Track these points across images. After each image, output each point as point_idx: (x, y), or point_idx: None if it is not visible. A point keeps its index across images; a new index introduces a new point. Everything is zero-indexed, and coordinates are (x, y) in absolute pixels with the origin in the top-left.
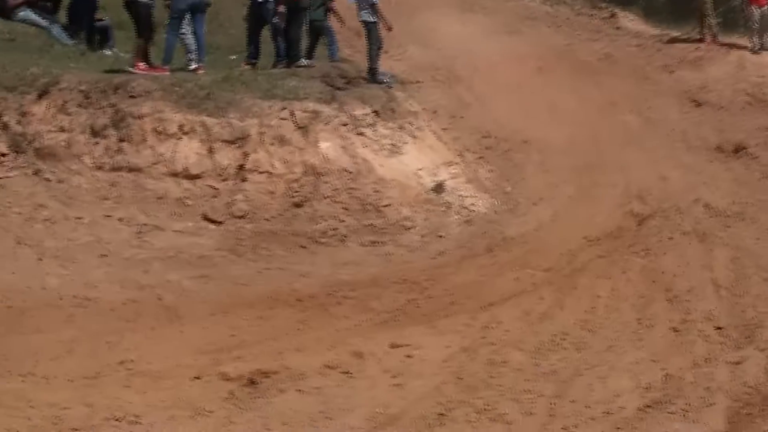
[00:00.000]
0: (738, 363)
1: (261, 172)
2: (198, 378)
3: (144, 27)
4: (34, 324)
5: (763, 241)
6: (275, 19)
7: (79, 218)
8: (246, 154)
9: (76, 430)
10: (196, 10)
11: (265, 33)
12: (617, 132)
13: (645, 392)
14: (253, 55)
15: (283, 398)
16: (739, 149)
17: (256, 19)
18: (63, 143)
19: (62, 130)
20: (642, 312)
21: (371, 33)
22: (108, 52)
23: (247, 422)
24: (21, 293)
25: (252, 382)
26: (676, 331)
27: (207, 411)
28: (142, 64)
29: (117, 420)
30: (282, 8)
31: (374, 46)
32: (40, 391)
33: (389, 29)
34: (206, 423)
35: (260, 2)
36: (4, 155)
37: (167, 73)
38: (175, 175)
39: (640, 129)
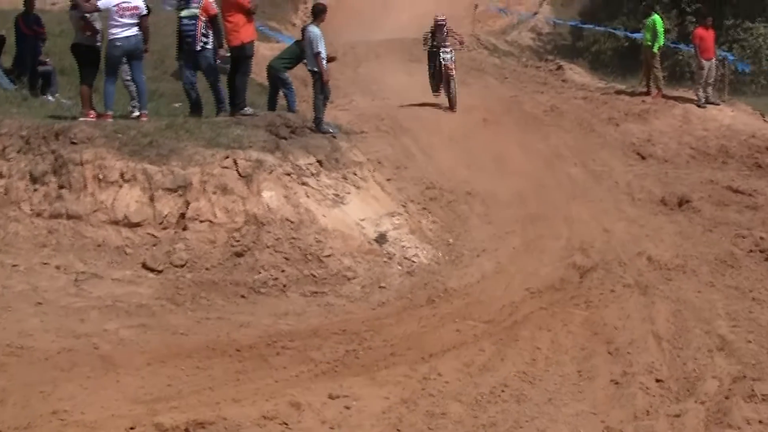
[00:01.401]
0: (678, 416)
1: (202, 221)
2: (133, 429)
3: (89, 72)
4: None
5: (704, 294)
6: (218, 61)
7: (15, 265)
8: (187, 203)
9: None
10: (132, 58)
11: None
12: (562, 184)
13: None
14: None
15: None
16: (683, 202)
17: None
18: (1, 189)
19: (1, 176)
20: (583, 364)
21: (317, 83)
22: (50, 98)
23: None
24: None
25: None
26: (617, 383)
27: None
28: (92, 112)
29: None
30: (224, 51)
31: (320, 95)
32: None
33: (326, 81)
34: None
35: (197, 51)
36: None
37: (110, 119)
38: (115, 223)
39: (585, 181)
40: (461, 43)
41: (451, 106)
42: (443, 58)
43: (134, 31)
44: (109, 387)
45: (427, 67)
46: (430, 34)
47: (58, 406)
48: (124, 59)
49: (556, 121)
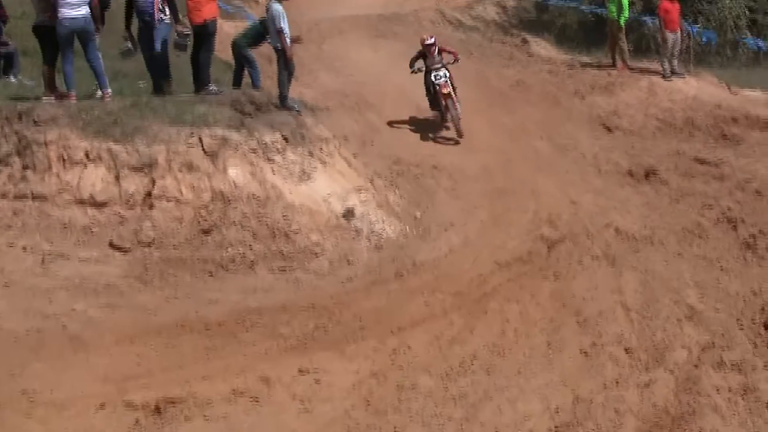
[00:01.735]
0: (647, 385)
1: (169, 199)
2: (103, 407)
3: (50, 53)
4: None
5: (671, 264)
6: (177, 38)
7: None
8: (153, 181)
9: None
10: (82, 38)
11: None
12: (529, 158)
13: (555, 415)
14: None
15: (189, 426)
16: (649, 174)
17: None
18: None
19: None
20: (552, 335)
21: (281, 59)
22: (13, 79)
23: None
24: None
25: (158, 410)
26: (586, 354)
27: None
28: (54, 94)
29: None
30: (183, 28)
31: (284, 72)
32: None
33: (289, 57)
34: None
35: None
36: None
37: (73, 100)
38: (81, 202)
39: (552, 154)
40: (455, 59)
41: (457, 133)
42: (436, 79)
43: (83, 11)
44: (78, 366)
45: (425, 90)
46: (417, 59)
47: (28, 386)
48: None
49: (522, 95)
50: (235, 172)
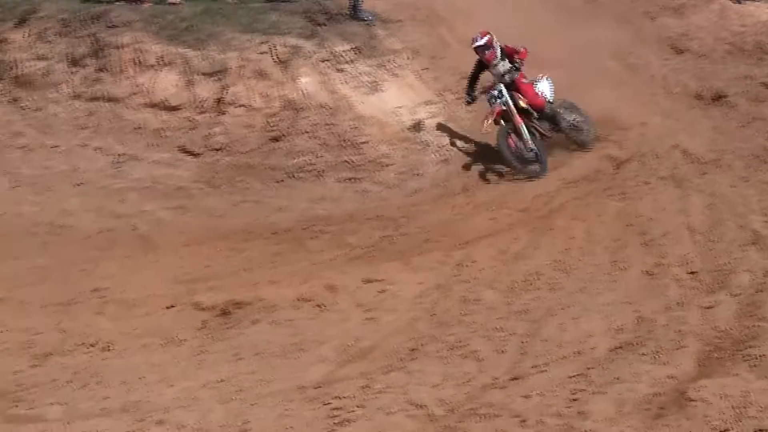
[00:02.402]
0: (710, 307)
1: (239, 106)
2: (171, 307)
3: None
4: (8, 250)
5: (738, 188)
6: None
7: (56, 147)
8: (225, 87)
9: (49, 354)
10: None
11: None
12: (599, 77)
13: (617, 334)
14: None
15: (255, 329)
16: (718, 97)
17: None
18: (41, 71)
19: (41, 58)
20: (616, 254)
21: None
22: None
23: (220, 351)
24: None
25: (225, 313)
26: (650, 274)
27: (180, 340)
28: None
29: (90, 346)
30: None
31: None
32: (14, 315)
33: None
34: (178, 351)
35: None
36: None
37: (148, 4)
38: (153, 106)
39: (622, 74)
40: (522, 57)
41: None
42: (490, 102)
43: None
44: (148, 267)
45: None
46: (477, 77)
47: (99, 284)
48: None
49: (593, 13)
50: (306, 81)
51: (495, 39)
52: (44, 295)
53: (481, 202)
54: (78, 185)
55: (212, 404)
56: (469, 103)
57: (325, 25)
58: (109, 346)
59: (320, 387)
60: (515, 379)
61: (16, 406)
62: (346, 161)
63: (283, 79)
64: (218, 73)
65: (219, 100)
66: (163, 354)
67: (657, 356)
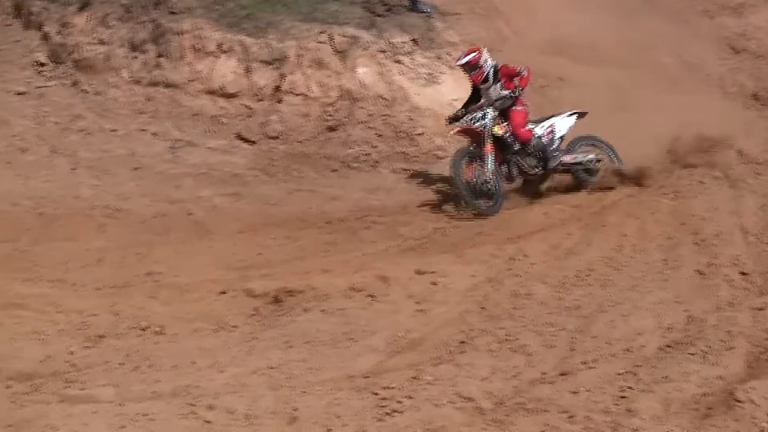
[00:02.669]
0: (761, 309)
1: (297, 95)
2: (224, 293)
3: None
4: (65, 232)
5: None
6: None
7: (114, 130)
8: (283, 76)
9: (102, 336)
10: None
11: None
12: (655, 74)
13: (666, 332)
14: None
15: (306, 317)
16: None
17: None
18: (102, 56)
19: (102, 42)
20: (668, 253)
21: None
22: None
23: (270, 339)
24: (54, 201)
25: (277, 300)
26: (702, 274)
27: (231, 326)
28: None
29: (142, 329)
30: None
31: None
32: (69, 297)
33: None
34: (230, 337)
35: None
36: (43, 65)
37: None
38: (211, 92)
39: (678, 72)
40: (522, 83)
41: None
42: (482, 122)
43: None
44: (202, 252)
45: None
46: (472, 101)
47: (153, 268)
48: None
49: (650, 10)
50: (364, 71)
51: (486, 57)
52: (99, 278)
53: (534, 196)
54: (135, 169)
55: (262, 391)
56: (449, 121)
57: (383, 16)
58: (161, 330)
59: (369, 377)
60: (564, 374)
61: (70, 386)
62: (401, 152)
63: (340, 69)
64: (276, 61)
65: (276, 89)
66: (214, 339)
67: (706, 356)
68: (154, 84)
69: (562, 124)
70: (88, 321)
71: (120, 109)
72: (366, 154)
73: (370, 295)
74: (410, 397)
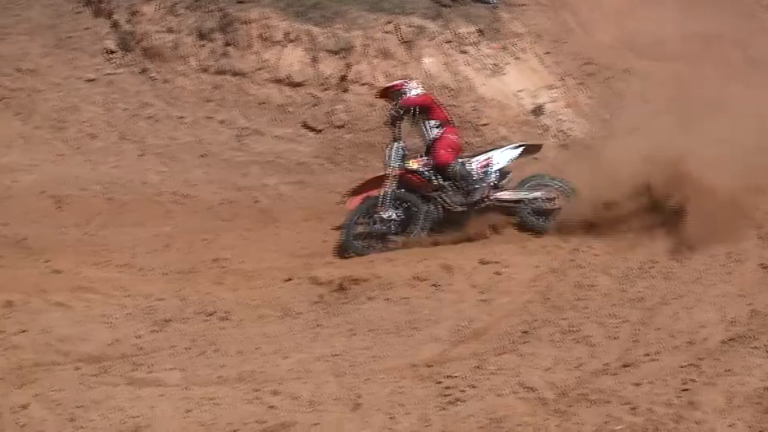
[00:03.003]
0: None
1: (363, 84)
2: (289, 280)
3: None
4: (133, 217)
5: None
6: None
7: (182, 118)
8: (349, 65)
9: (169, 321)
10: None
11: None
12: (721, 68)
13: (730, 326)
14: None
15: (370, 305)
16: None
17: None
18: (170, 44)
19: (170, 31)
20: (732, 247)
21: None
22: None
23: (335, 326)
24: (122, 187)
25: (342, 288)
26: (765, 268)
27: (296, 312)
28: None
29: (208, 315)
30: None
31: None
32: (136, 281)
33: None
34: (294, 324)
35: None
36: (112, 52)
37: None
38: (278, 81)
39: (745, 67)
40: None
41: None
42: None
43: None
44: (267, 239)
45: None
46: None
47: (220, 254)
48: None
49: (716, 3)
50: (430, 61)
51: (412, 87)
52: (166, 263)
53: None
54: (202, 156)
55: (326, 377)
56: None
57: (449, 6)
58: (227, 316)
59: (432, 366)
60: (626, 366)
61: (137, 369)
62: (465, 142)
63: (406, 59)
64: (343, 50)
65: (342, 78)
66: (279, 326)
67: None
68: (222, 72)
69: (502, 157)
70: (155, 305)
71: (187, 96)
72: None
73: (433, 285)
74: (473, 387)
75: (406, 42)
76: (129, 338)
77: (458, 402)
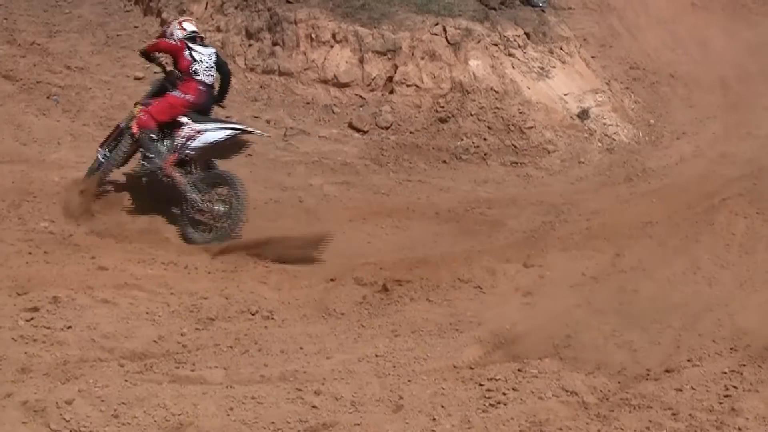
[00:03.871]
0: None
1: (409, 85)
2: (333, 281)
3: None
4: None
5: None
6: None
7: (228, 117)
8: (395, 67)
9: (213, 319)
10: None
11: None
12: (766, 73)
13: None
14: None
15: (413, 307)
16: None
17: None
18: (218, 43)
19: (218, 30)
20: None
21: None
22: None
23: (377, 327)
24: None
25: (385, 289)
26: None
27: (339, 313)
28: None
29: (252, 314)
30: None
31: None
32: (181, 279)
33: None
34: (337, 324)
35: None
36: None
37: None
38: (324, 82)
39: None
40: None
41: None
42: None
43: None
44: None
45: None
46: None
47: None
48: None
49: (762, 10)
50: (476, 64)
51: (176, 27)
52: (210, 261)
53: (643, 192)
54: (248, 156)
55: (368, 378)
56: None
57: (497, 9)
58: (270, 315)
59: (474, 368)
60: (669, 371)
61: (181, 367)
62: (511, 145)
63: (453, 61)
64: (390, 51)
65: (389, 79)
66: (322, 326)
67: None
68: (269, 72)
69: (211, 135)
70: (199, 303)
71: (234, 95)
72: (476, 147)
73: (477, 287)
74: (515, 390)
75: (452, 44)
76: (173, 336)
77: (500, 405)
